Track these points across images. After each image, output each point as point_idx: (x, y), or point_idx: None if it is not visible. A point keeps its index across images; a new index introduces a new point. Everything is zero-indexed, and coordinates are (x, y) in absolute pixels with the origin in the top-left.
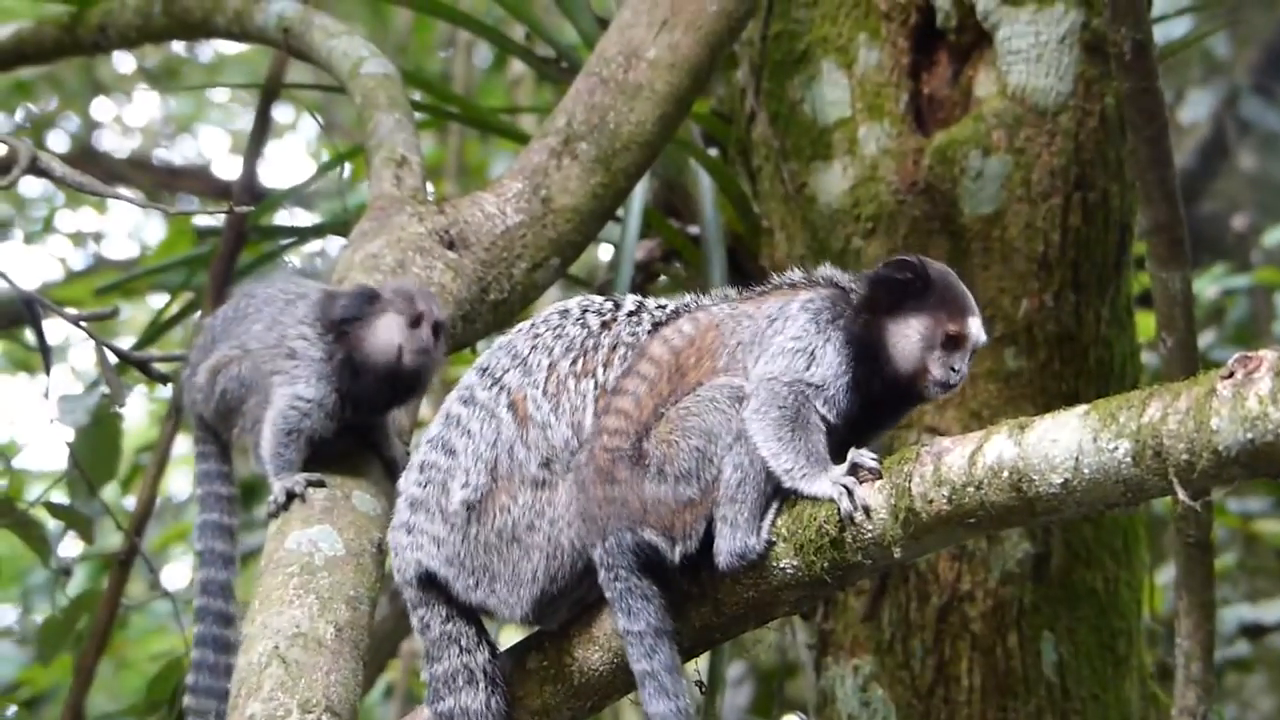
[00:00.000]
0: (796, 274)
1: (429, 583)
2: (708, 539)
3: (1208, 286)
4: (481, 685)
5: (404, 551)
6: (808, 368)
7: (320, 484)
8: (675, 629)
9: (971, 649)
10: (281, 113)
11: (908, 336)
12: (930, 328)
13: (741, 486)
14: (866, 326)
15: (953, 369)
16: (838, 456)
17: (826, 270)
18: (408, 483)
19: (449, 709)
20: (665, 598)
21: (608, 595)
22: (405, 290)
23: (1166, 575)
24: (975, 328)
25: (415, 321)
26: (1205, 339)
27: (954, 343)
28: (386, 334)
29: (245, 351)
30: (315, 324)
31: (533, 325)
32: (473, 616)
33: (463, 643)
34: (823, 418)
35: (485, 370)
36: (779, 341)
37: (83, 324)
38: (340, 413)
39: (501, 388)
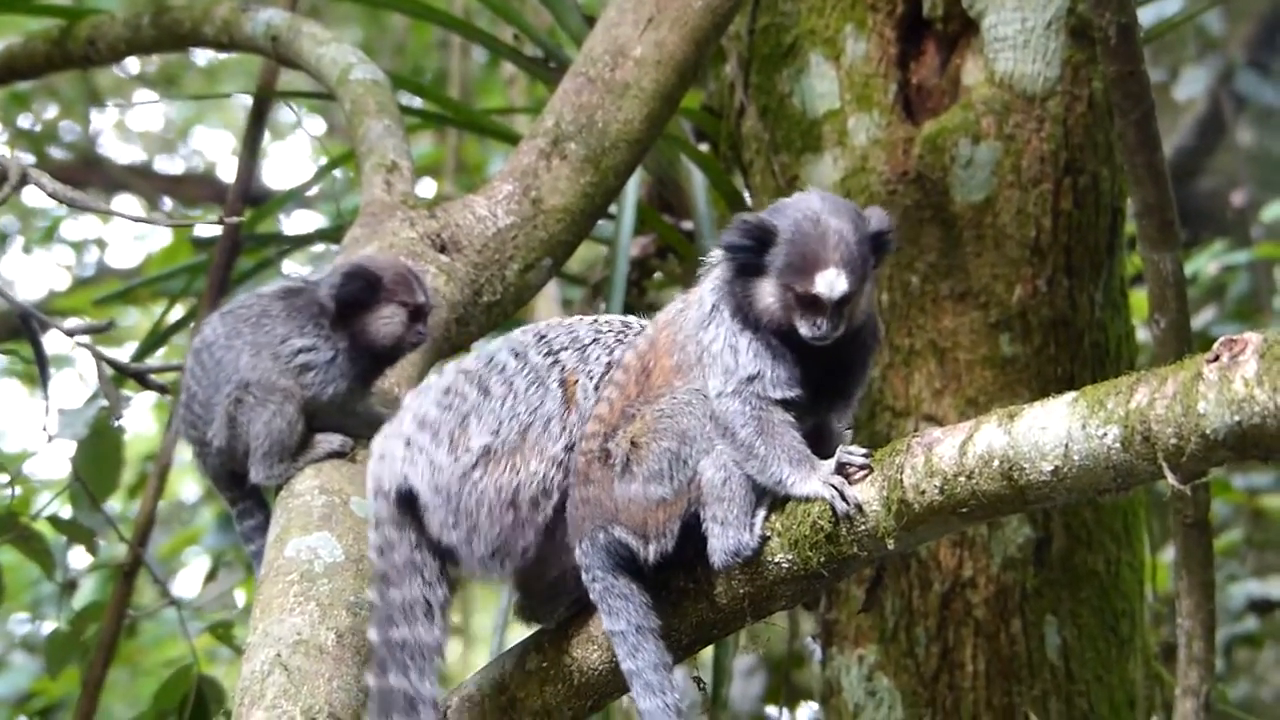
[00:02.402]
0: None
1: (406, 502)
2: (705, 540)
3: (1207, 263)
4: (437, 620)
5: (394, 462)
6: (738, 363)
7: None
8: (662, 626)
9: (975, 635)
10: (284, 112)
11: (764, 300)
12: (780, 289)
13: (728, 484)
14: (739, 293)
15: (816, 326)
16: (821, 439)
17: None
18: (423, 400)
19: (401, 638)
20: (647, 596)
21: (591, 596)
22: (403, 277)
23: (1170, 553)
24: (823, 285)
25: (416, 314)
26: (1205, 316)
27: (807, 302)
28: (389, 327)
29: (247, 384)
30: (311, 326)
31: (596, 321)
32: (439, 551)
33: (426, 575)
34: (784, 403)
35: (543, 338)
36: (707, 345)
37: (79, 338)
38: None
39: (558, 362)
